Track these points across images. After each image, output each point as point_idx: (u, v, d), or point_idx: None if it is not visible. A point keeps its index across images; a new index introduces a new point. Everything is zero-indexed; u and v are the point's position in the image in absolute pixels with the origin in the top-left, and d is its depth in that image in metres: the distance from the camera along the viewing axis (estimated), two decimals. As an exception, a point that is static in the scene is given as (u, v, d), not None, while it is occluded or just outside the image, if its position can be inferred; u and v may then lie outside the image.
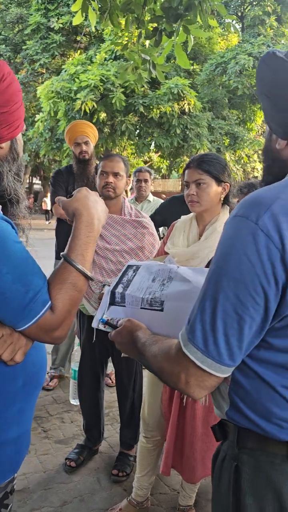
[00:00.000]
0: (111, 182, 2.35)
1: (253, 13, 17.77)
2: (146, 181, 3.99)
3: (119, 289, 1.18)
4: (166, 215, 3.24)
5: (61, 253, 1.03)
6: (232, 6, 19.76)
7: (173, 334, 0.95)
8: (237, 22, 20.02)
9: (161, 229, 3.70)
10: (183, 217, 2.00)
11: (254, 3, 18.91)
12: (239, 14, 19.90)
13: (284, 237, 0.75)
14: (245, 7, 19.70)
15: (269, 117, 0.98)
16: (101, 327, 1.21)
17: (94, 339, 2.40)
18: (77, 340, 3.02)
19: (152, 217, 3.23)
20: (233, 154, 16.11)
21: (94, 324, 1.22)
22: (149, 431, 2.05)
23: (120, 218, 2.44)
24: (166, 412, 1.90)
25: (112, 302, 1.20)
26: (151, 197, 4.11)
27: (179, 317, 0.91)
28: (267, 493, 0.86)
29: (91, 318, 2.46)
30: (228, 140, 15.84)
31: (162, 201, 3.89)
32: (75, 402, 3.17)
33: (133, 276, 1.18)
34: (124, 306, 1.17)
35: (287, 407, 0.85)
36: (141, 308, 1.12)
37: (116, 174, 2.36)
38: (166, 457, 1.86)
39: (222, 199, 1.85)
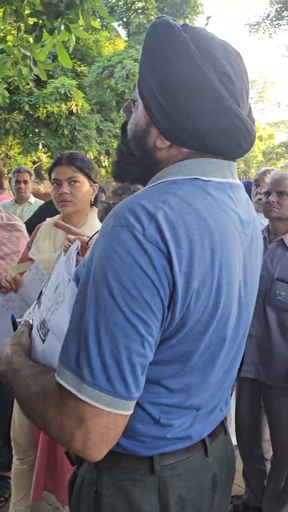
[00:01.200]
0: None
1: (138, 20, 18.26)
2: (26, 182, 3.76)
3: (43, 288, 0.98)
4: (44, 218, 3.10)
5: None
6: (118, 11, 20.09)
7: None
8: (123, 28, 20.40)
9: None
10: (48, 219, 1.85)
11: (139, 11, 19.45)
12: (125, 20, 20.30)
13: (171, 249, 0.69)
14: (130, 14, 20.16)
15: (148, 100, 0.79)
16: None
17: None
18: None
19: (31, 220, 3.07)
20: (122, 156, 16.36)
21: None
22: (21, 452, 1.89)
23: None
24: (35, 430, 1.76)
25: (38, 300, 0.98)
26: (32, 199, 3.89)
27: (54, 358, 0.75)
28: None
29: None
30: (117, 143, 16.06)
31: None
32: None
33: (54, 269, 0.96)
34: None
35: (150, 422, 0.80)
36: (36, 325, 0.93)
37: None
38: (37, 479, 1.70)
39: (92, 200, 1.78)
